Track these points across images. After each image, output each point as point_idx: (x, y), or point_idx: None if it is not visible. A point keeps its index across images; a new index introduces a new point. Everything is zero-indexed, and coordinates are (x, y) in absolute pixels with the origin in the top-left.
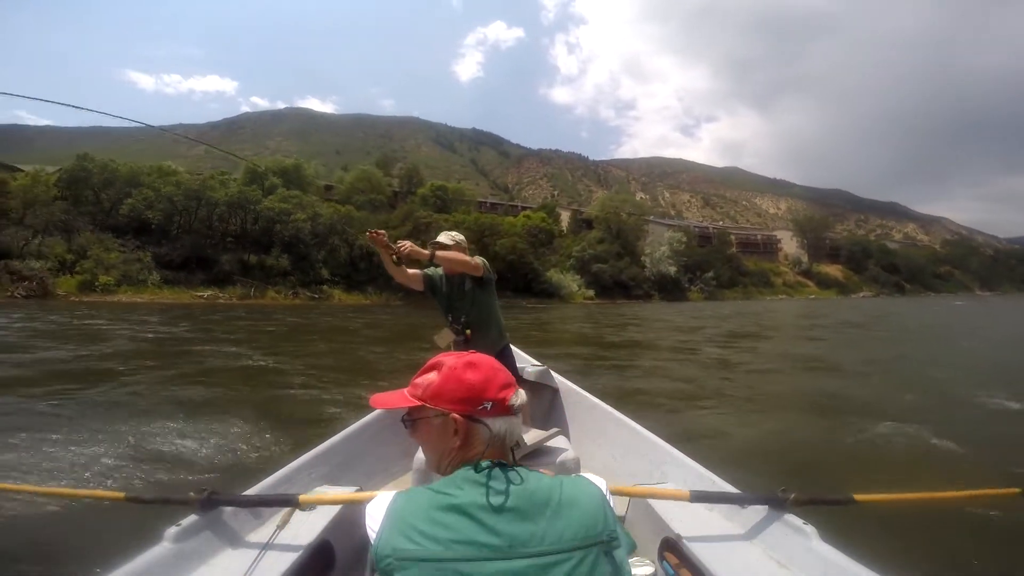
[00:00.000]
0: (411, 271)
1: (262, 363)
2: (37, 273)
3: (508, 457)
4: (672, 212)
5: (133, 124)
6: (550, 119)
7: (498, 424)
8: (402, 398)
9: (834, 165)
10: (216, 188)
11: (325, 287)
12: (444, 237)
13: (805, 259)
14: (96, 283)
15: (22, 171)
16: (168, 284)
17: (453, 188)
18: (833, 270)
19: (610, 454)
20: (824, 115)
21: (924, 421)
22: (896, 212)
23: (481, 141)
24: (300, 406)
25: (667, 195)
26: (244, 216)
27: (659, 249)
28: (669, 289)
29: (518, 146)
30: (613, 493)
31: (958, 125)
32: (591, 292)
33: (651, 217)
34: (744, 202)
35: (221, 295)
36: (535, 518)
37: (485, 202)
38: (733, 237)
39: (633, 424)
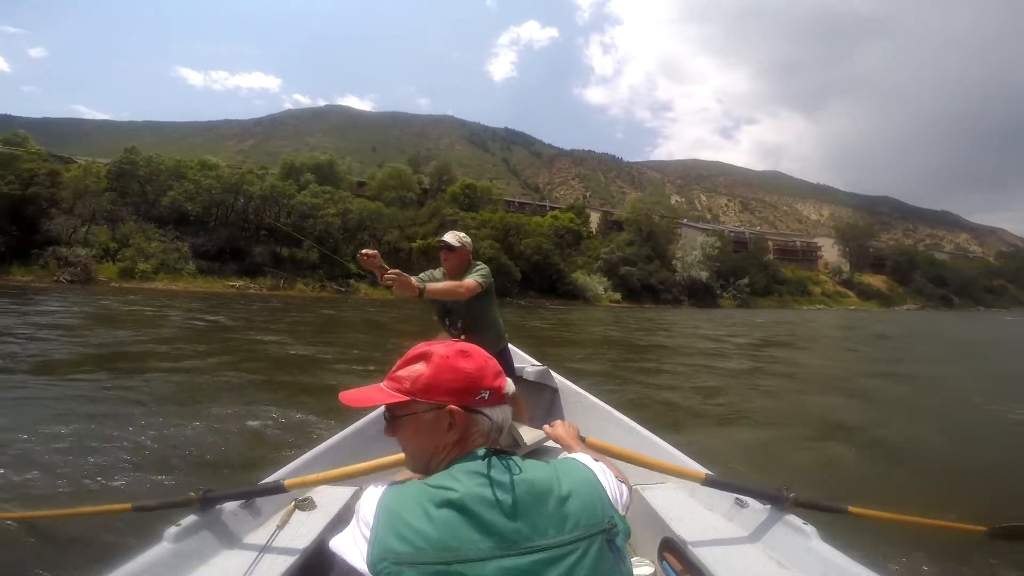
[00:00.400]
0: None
1: (305, 352)
2: (82, 260)
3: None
4: (708, 216)
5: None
6: (583, 119)
7: (496, 413)
8: (382, 393)
9: (882, 171)
10: (253, 182)
11: (352, 281)
12: (451, 237)
13: (846, 268)
14: (135, 270)
15: (76, 163)
16: (202, 273)
17: (481, 186)
18: (876, 281)
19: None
20: (871, 119)
21: (942, 438)
22: (948, 221)
23: (513, 140)
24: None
25: (703, 198)
26: (278, 210)
27: (691, 253)
28: (700, 295)
29: (550, 146)
30: (622, 459)
31: (1018, 129)
32: (618, 295)
33: (684, 220)
34: (784, 207)
35: (252, 285)
36: (537, 510)
37: (513, 201)
38: (770, 243)
39: (633, 424)
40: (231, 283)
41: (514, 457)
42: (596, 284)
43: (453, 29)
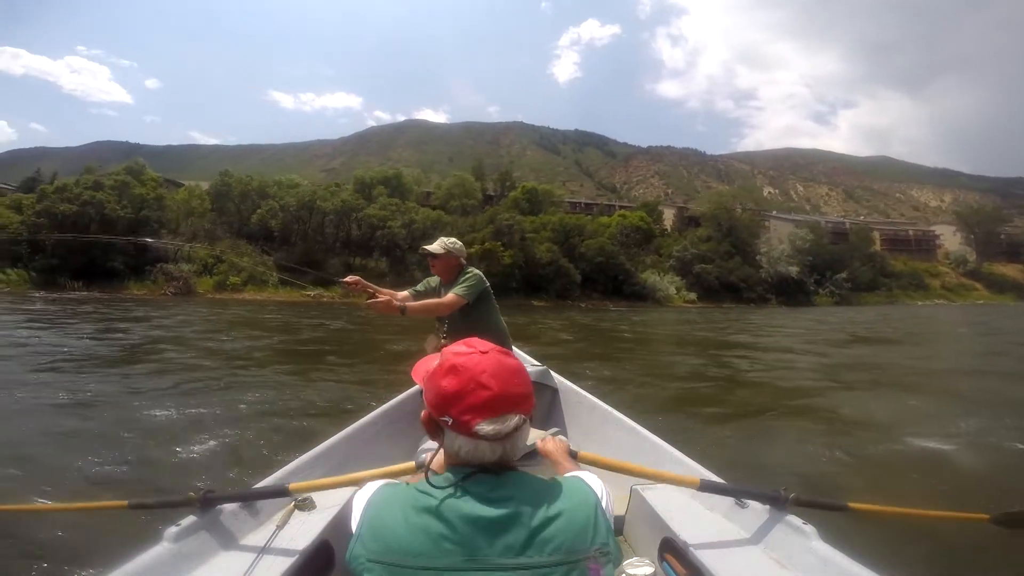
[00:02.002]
0: (400, 294)
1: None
2: (184, 275)
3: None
4: (807, 207)
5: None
6: (659, 115)
7: (457, 442)
8: (418, 375)
9: (1016, 150)
10: (327, 198)
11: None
12: (436, 245)
13: (972, 258)
14: (227, 283)
15: (183, 186)
16: (283, 284)
17: (543, 189)
18: (1011, 271)
19: (610, 454)
20: (995, 94)
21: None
22: None
23: (585, 142)
24: None
25: (800, 189)
26: (349, 223)
27: (777, 247)
28: (790, 292)
29: (625, 145)
30: (615, 471)
31: None
32: (692, 295)
33: (773, 212)
34: (897, 195)
35: (326, 294)
36: (515, 527)
37: (579, 202)
38: (877, 233)
39: (633, 424)
40: (308, 292)
41: (508, 472)
42: (667, 284)
43: (512, 35)
